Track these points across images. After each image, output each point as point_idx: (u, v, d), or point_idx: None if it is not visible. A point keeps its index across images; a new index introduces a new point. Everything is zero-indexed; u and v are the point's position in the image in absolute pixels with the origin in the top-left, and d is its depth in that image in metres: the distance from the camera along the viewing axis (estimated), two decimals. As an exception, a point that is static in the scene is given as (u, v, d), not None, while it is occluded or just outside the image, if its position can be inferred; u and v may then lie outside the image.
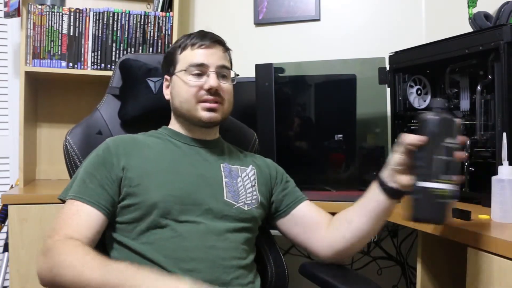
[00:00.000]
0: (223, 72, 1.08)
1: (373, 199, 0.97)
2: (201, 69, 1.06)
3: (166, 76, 1.14)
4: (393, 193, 0.93)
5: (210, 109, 1.05)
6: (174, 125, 1.13)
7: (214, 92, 1.05)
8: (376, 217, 0.98)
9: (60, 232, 0.90)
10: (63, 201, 1.00)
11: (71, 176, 1.15)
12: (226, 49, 1.12)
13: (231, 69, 1.13)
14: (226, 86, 1.08)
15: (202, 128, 1.09)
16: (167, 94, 1.13)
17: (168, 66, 1.13)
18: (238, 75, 1.15)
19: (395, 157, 0.90)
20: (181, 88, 1.07)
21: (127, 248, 0.95)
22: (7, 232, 1.65)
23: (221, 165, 1.09)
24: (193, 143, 1.10)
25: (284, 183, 1.16)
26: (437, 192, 0.80)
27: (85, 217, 0.93)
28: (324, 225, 1.08)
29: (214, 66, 1.06)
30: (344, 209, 1.06)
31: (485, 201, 1.18)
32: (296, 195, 1.15)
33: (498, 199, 1.00)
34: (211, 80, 1.04)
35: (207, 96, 1.05)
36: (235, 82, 1.12)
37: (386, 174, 0.94)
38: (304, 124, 1.67)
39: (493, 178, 1.02)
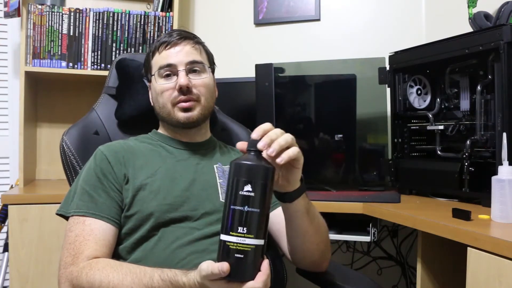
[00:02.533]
0: (194, 67, 1.06)
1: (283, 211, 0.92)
2: (170, 70, 1.04)
3: (148, 83, 1.13)
4: (281, 197, 0.87)
5: (186, 109, 1.04)
6: (162, 129, 1.13)
7: (186, 90, 1.03)
8: (290, 222, 0.92)
9: (81, 257, 0.88)
10: (64, 217, 0.97)
11: (68, 177, 1.15)
12: (197, 42, 1.09)
13: (207, 62, 1.10)
14: (199, 81, 1.05)
15: (186, 129, 1.08)
16: (151, 100, 1.13)
17: (146, 73, 1.13)
18: (213, 66, 1.13)
19: None
20: (156, 93, 1.07)
21: (121, 258, 0.95)
22: (7, 232, 1.65)
23: (215, 165, 1.08)
24: (184, 147, 1.09)
25: None
26: (233, 247, 0.70)
27: (101, 235, 0.91)
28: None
29: (183, 63, 1.04)
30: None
31: (485, 201, 1.18)
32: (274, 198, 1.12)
33: (498, 199, 1.00)
34: (180, 79, 1.02)
35: (180, 96, 1.03)
36: (208, 75, 1.08)
37: None
38: (304, 124, 1.67)
39: (493, 178, 1.02)
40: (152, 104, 1.12)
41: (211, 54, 1.14)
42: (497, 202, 1.00)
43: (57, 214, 0.99)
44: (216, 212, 1.00)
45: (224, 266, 0.68)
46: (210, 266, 0.70)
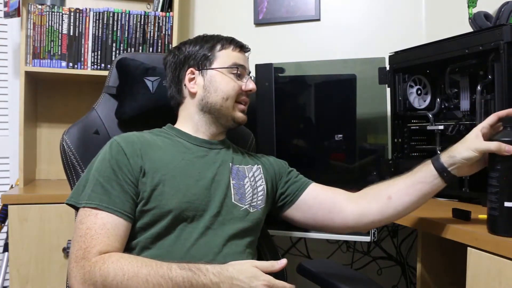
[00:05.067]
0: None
1: (423, 181, 0.98)
2: (241, 71, 1.10)
3: (192, 69, 1.10)
4: (451, 179, 0.96)
5: (243, 111, 1.10)
6: (182, 125, 1.12)
7: (248, 95, 1.11)
8: (422, 197, 0.99)
9: (93, 251, 0.87)
10: (73, 206, 0.96)
11: (68, 176, 1.15)
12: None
13: None
14: None
15: (226, 128, 1.12)
16: (192, 87, 1.10)
17: (199, 60, 1.10)
18: None
19: (484, 123, 0.94)
20: (225, 84, 1.08)
21: (134, 253, 0.93)
22: (7, 232, 1.65)
23: (230, 164, 1.08)
24: (203, 144, 1.09)
25: (287, 175, 1.17)
26: None
27: (113, 230, 0.90)
28: (345, 197, 1.10)
29: (248, 71, 1.13)
30: (381, 183, 1.07)
31: (485, 201, 1.18)
32: (301, 182, 1.15)
33: (498, 199, 1.00)
34: (251, 83, 1.10)
35: (244, 97, 1.10)
36: None
37: (447, 159, 0.95)
38: (304, 124, 1.67)
39: (493, 178, 1.02)
40: (193, 91, 1.09)
41: None
42: (497, 202, 1.00)
43: (66, 203, 0.97)
44: (228, 213, 1.01)
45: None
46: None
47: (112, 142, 1.00)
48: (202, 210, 0.98)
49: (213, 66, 1.09)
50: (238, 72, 1.09)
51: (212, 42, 1.12)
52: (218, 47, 1.11)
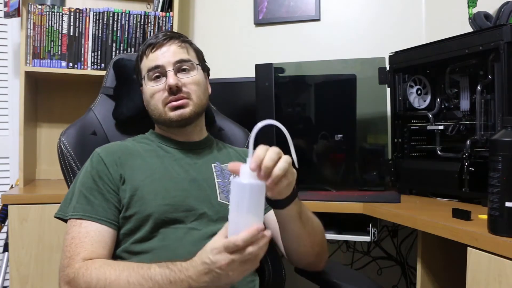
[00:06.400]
0: (182, 66, 1.06)
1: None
2: (158, 72, 1.05)
3: (140, 88, 1.14)
4: (273, 204, 0.87)
5: (177, 107, 1.04)
6: (159, 129, 1.13)
7: (176, 90, 1.03)
8: (283, 226, 0.93)
9: (77, 258, 0.88)
10: (63, 220, 0.97)
11: (66, 177, 1.15)
12: (183, 41, 1.09)
13: (196, 60, 1.10)
14: (189, 79, 1.06)
15: (180, 128, 1.07)
16: (145, 104, 1.12)
17: (138, 77, 1.14)
18: (203, 64, 1.13)
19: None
20: (147, 97, 1.08)
21: (121, 259, 0.94)
22: (7, 232, 1.65)
23: (212, 165, 1.08)
24: (181, 147, 1.09)
25: None
26: None
27: (97, 237, 0.91)
28: None
29: (171, 63, 1.04)
30: None
31: (485, 201, 1.18)
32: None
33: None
34: (169, 79, 1.03)
35: (170, 96, 1.03)
36: (196, 72, 1.08)
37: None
38: (304, 124, 1.66)
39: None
40: (146, 107, 1.12)
41: (200, 51, 1.15)
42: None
43: (55, 217, 0.99)
44: (215, 212, 1.00)
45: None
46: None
47: (93, 154, 1.02)
48: (184, 211, 0.97)
49: (141, 81, 1.10)
50: (155, 75, 1.05)
51: (137, 56, 1.12)
52: (139, 61, 1.10)
